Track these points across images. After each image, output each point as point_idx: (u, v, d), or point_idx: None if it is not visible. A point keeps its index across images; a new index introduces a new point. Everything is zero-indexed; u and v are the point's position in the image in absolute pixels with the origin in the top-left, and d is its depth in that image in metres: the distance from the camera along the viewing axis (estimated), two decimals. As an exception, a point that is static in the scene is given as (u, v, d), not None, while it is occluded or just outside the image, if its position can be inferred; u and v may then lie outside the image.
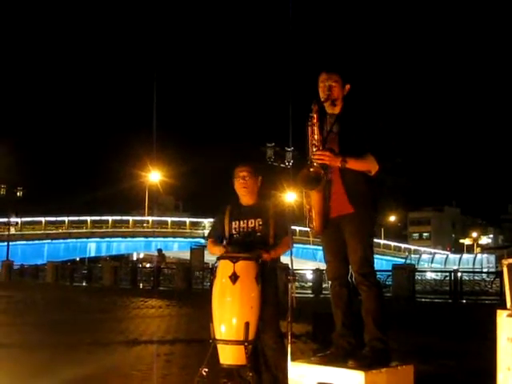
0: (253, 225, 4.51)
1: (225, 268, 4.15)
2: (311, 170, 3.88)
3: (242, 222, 4.54)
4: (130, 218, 62.25)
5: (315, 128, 4.00)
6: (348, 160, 3.90)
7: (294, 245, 4.68)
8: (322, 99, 4.04)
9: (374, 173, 4.00)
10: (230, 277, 4.09)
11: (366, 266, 4.00)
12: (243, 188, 4.57)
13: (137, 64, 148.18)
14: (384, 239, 74.49)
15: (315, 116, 3.99)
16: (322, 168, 3.88)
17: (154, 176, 61.55)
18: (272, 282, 4.40)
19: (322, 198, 3.98)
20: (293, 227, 4.55)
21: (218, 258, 4.30)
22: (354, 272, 4.03)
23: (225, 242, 4.56)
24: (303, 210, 4.12)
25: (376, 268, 4.13)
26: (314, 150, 3.95)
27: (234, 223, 4.57)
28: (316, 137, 3.99)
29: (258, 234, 4.48)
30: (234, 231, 4.56)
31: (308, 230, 4.13)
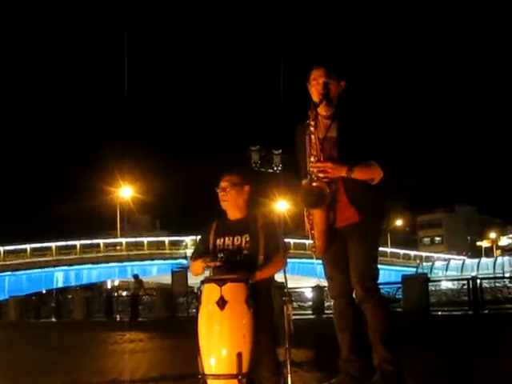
0: (239, 242, 4.47)
1: (211, 292, 4.11)
2: (314, 184, 3.84)
3: (227, 239, 4.51)
4: (101, 241, 61.93)
5: (313, 136, 3.95)
6: (354, 169, 3.89)
7: (289, 260, 4.64)
8: (317, 99, 3.99)
9: (377, 181, 3.99)
10: (217, 302, 4.05)
11: (370, 280, 4.00)
12: (223, 201, 4.53)
13: (108, 67, 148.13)
14: (391, 247, 74.49)
15: (313, 123, 3.94)
16: (326, 182, 3.85)
17: (126, 192, 61.37)
18: (266, 304, 4.36)
19: (326, 216, 3.95)
20: (286, 240, 4.51)
21: (203, 282, 4.26)
22: (358, 287, 4.01)
23: None
24: (301, 224, 4.09)
25: (384, 280, 4.15)
26: (313, 160, 3.91)
27: (218, 240, 4.54)
28: (315, 146, 3.95)
29: (245, 251, 4.42)
30: (218, 249, 4.52)
31: (305, 241, 4.12)
